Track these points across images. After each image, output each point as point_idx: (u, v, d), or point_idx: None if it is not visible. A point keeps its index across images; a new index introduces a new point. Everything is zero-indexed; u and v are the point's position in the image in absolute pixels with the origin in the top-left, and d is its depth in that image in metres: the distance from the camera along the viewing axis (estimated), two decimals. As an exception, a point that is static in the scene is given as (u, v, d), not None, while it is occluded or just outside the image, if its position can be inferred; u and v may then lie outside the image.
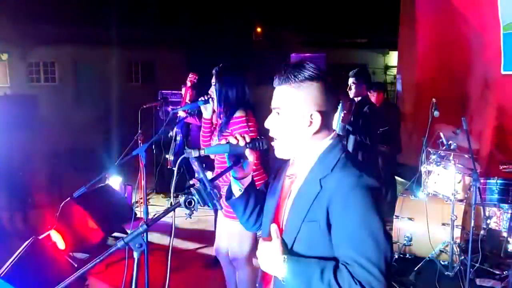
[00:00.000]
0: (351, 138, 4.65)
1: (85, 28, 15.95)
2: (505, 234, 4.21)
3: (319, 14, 19.67)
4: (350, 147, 4.62)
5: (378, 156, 5.22)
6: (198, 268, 4.28)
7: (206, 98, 3.08)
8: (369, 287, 1.30)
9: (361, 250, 1.32)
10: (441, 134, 4.24)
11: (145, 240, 1.36)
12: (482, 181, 4.04)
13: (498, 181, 4.11)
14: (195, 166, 1.44)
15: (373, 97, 5.54)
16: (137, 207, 5.48)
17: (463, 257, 3.88)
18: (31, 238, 3.31)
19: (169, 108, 6.55)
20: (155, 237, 4.61)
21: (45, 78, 19.18)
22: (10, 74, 18.61)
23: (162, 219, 1.39)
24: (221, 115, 3.00)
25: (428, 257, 4.03)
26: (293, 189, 1.52)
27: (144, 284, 3.06)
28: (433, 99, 4.17)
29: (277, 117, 1.51)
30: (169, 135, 6.30)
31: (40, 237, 3.51)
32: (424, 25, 7.22)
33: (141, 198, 3.51)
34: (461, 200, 4.06)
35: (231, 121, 2.93)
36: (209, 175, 1.44)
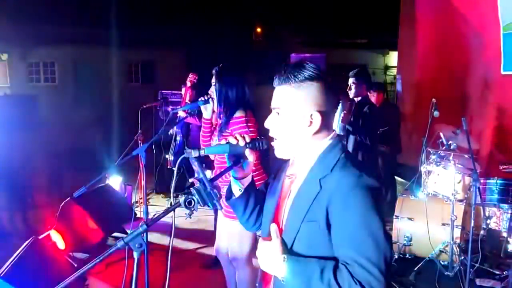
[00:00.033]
0: (351, 138, 4.65)
1: (85, 28, 15.96)
2: (505, 234, 4.21)
3: (319, 14, 19.66)
4: (350, 147, 4.62)
5: (378, 156, 5.22)
6: (198, 268, 4.28)
7: (206, 98, 3.08)
8: (369, 287, 1.30)
9: (361, 250, 1.32)
10: (441, 134, 4.24)
11: (145, 240, 1.36)
12: (482, 181, 4.04)
13: (498, 181, 4.11)
14: (195, 166, 1.44)
15: (373, 97, 5.54)
16: (137, 207, 5.49)
17: (463, 257, 3.88)
18: (31, 238, 3.31)
19: (169, 108, 6.55)
20: (155, 237, 4.61)
21: (45, 78, 19.17)
22: (10, 74, 18.61)
23: (162, 219, 1.39)
24: (221, 115, 3.00)
25: (428, 257, 4.03)
26: (293, 189, 1.52)
27: (144, 284, 3.06)
28: (433, 99, 4.17)
29: (277, 117, 1.51)
30: (169, 133, 6.30)
31: (40, 237, 3.51)
32: (424, 25, 7.22)
33: (141, 198, 3.51)
34: (461, 200, 4.06)
35: (231, 121, 2.93)
36: (208, 174, 1.43)
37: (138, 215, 5.01)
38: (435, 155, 4.22)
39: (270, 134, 1.54)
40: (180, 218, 1.43)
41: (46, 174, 6.64)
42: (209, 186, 1.39)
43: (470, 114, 5.71)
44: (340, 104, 4.06)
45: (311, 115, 1.46)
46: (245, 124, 2.88)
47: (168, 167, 6.50)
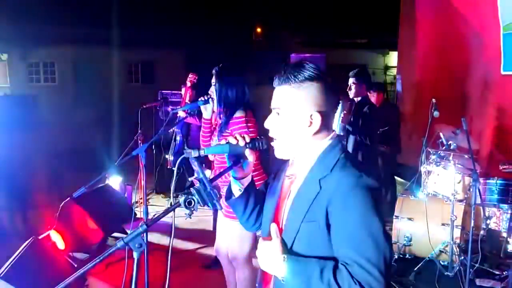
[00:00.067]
0: (351, 138, 4.65)
1: (85, 29, 15.96)
2: (504, 234, 4.21)
3: (319, 15, 19.67)
4: (350, 147, 4.62)
5: (378, 156, 5.22)
6: (198, 268, 4.28)
7: (206, 98, 3.08)
8: (369, 287, 1.30)
9: (360, 251, 1.32)
10: (441, 134, 4.24)
11: (145, 240, 1.36)
12: (482, 181, 4.04)
13: (498, 181, 4.11)
14: (195, 166, 1.44)
15: (373, 97, 5.54)
16: (137, 207, 5.48)
17: (462, 257, 3.88)
18: (31, 238, 3.31)
19: (169, 108, 6.55)
20: (155, 237, 4.61)
21: (45, 78, 19.18)
22: (10, 74, 18.62)
23: (162, 219, 1.39)
24: (221, 115, 3.00)
25: (428, 257, 4.03)
26: (292, 189, 1.52)
27: (144, 284, 3.06)
28: (433, 99, 4.17)
29: (277, 117, 1.51)
30: (169, 131, 6.30)
31: (40, 237, 3.51)
32: (424, 25, 7.22)
33: (141, 198, 3.50)
34: (461, 200, 4.06)
35: (230, 121, 2.93)
36: (208, 174, 1.43)
37: (138, 215, 5.01)
38: (435, 155, 4.22)
39: (270, 134, 1.54)
40: (180, 218, 1.43)
41: (46, 174, 6.63)
42: (209, 186, 1.39)
43: (470, 114, 5.71)
44: (340, 104, 4.08)
45: (311, 115, 1.46)
46: (245, 124, 2.88)
47: (168, 167, 6.50)
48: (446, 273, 3.90)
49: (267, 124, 1.54)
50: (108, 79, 16.88)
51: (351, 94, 4.72)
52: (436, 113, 4.09)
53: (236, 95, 2.96)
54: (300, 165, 1.52)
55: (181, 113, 4.68)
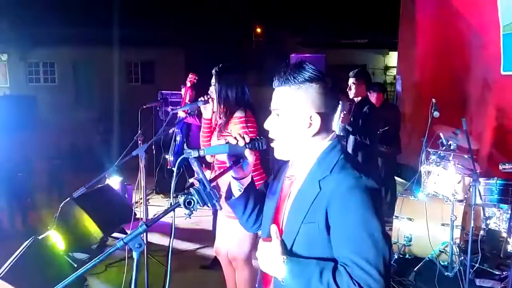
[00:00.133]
0: (351, 138, 4.65)
1: (85, 29, 15.98)
2: (504, 235, 4.20)
3: (319, 15, 19.69)
4: (350, 148, 4.62)
5: (378, 156, 5.22)
6: (197, 268, 4.28)
7: (205, 98, 3.08)
8: (368, 288, 1.30)
9: (359, 252, 1.32)
10: (441, 135, 4.24)
11: (144, 240, 1.36)
12: (481, 181, 4.04)
13: (498, 182, 4.11)
14: (195, 166, 1.44)
15: (373, 97, 5.54)
16: (136, 207, 5.48)
17: (462, 258, 3.87)
18: (31, 238, 3.31)
19: (169, 108, 6.55)
20: (155, 238, 4.61)
21: (45, 78, 19.20)
22: (10, 75, 18.63)
23: (162, 220, 1.39)
24: (221, 115, 3.00)
25: (428, 257, 4.02)
26: (292, 190, 1.52)
27: (144, 284, 3.06)
28: (433, 100, 4.17)
29: (276, 118, 1.51)
30: (170, 131, 6.30)
31: (40, 237, 3.51)
32: (424, 25, 7.22)
33: (141, 198, 3.50)
34: (460, 201, 4.06)
35: (230, 121, 2.93)
36: (208, 174, 1.43)
37: (138, 215, 5.00)
38: (435, 155, 4.22)
39: (270, 135, 1.55)
40: (180, 218, 1.43)
41: (46, 174, 6.64)
42: (209, 186, 1.39)
43: (470, 114, 5.71)
44: (340, 105, 4.08)
45: (311, 116, 1.46)
46: (244, 124, 2.88)
47: (168, 167, 6.50)
48: (446, 273, 3.90)
49: (266, 125, 1.54)
50: (108, 79, 16.90)
51: (351, 94, 4.72)
52: (436, 113, 4.09)
53: (236, 95, 2.96)
54: (300, 166, 1.52)
55: (181, 113, 4.68)
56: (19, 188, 5.25)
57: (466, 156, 4.03)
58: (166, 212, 1.38)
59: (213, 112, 3.13)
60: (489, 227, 4.37)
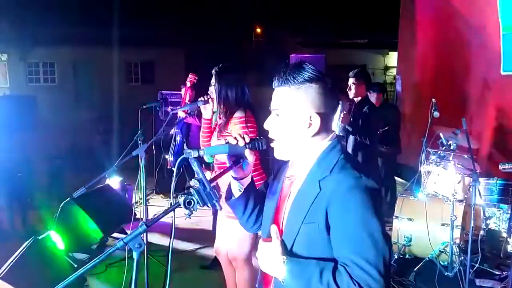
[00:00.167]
0: (351, 138, 4.65)
1: (85, 29, 15.98)
2: (504, 235, 4.20)
3: (319, 15, 19.70)
4: (349, 148, 4.63)
5: (378, 156, 5.22)
6: (197, 268, 4.28)
7: (205, 98, 3.08)
8: (368, 288, 1.30)
9: (359, 252, 1.33)
10: (441, 135, 4.24)
11: (144, 240, 1.36)
12: (481, 181, 4.04)
13: (498, 182, 4.11)
14: (194, 166, 1.44)
15: (372, 97, 5.54)
16: (136, 207, 5.48)
17: (462, 258, 3.87)
18: (31, 239, 3.30)
19: (169, 109, 6.55)
20: (155, 238, 4.61)
21: (45, 78, 19.19)
22: (9, 75, 18.62)
23: (162, 220, 1.39)
24: (221, 115, 3.00)
25: (428, 257, 4.02)
26: (292, 191, 1.52)
27: (144, 284, 3.06)
28: (433, 100, 4.17)
29: (276, 118, 1.52)
30: (170, 132, 6.30)
31: (40, 237, 3.51)
32: (424, 25, 7.23)
33: (141, 199, 3.50)
34: (460, 201, 4.06)
35: (230, 121, 2.93)
36: (208, 175, 1.43)
37: (138, 216, 5.00)
38: (435, 155, 4.22)
39: (270, 135, 1.55)
40: (180, 218, 1.43)
41: (46, 175, 6.63)
42: (208, 187, 1.40)
43: (470, 114, 5.71)
44: (339, 105, 4.08)
45: (310, 116, 1.46)
46: (244, 124, 2.88)
47: (168, 167, 6.50)
48: (446, 274, 3.90)
49: (266, 125, 1.54)
50: (108, 79, 16.89)
51: (351, 94, 4.73)
52: (436, 113, 4.09)
53: (236, 95, 2.96)
54: (300, 166, 1.52)
55: (181, 113, 4.68)
56: (19, 188, 5.25)
57: (466, 156, 4.03)
58: (166, 212, 1.38)
59: (213, 112, 3.13)
60: (489, 227, 4.37)
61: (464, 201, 4.08)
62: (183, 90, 5.31)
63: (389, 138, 5.59)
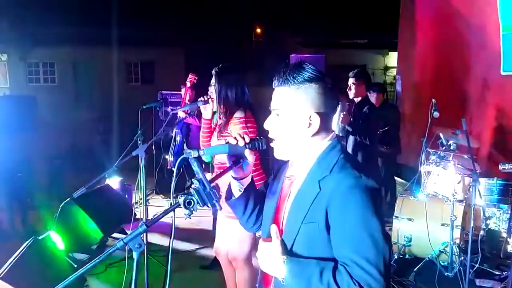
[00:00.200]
0: (351, 138, 4.65)
1: (85, 29, 15.97)
2: (504, 235, 4.21)
3: (319, 15, 19.69)
4: (349, 148, 4.62)
5: (378, 156, 5.22)
6: (197, 268, 4.28)
7: (205, 98, 3.08)
8: (368, 288, 1.30)
9: (359, 251, 1.33)
10: (441, 135, 4.24)
11: (144, 240, 1.36)
12: (481, 181, 4.04)
13: (498, 182, 4.11)
14: (194, 166, 1.44)
15: (372, 97, 5.55)
16: (136, 207, 5.48)
17: (462, 258, 3.87)
18: (31, 239, 3.31)
19: (169, 109, 6.55)
20: (155, 238, 4.61)
21: (45, 78, 19.19)
22: (9, 75, 18.62)
23: (162, 220, 1.39)
24: (221, 116, 3.00)
25: (428, 257, 4.02)
26: (292, 190, 1.52)
27: (144, 284, 3.06)
28: (433, 100, 4.17)
29: (276, 118, 1.52)
30: (170, 133, 6.30)
31: (40, 237, 3.51)
32: (424, 25, 7.23)
33: (141, 199, 3.50)
34: (460, 201, 4.06)
35: (230, 122, 2.93)
36: (208, 177, 1.43)
37: (138, 216, 5.00)
38: (434, 155, 4.22)
39: (270, 135, 1.55)
40: (180, 218, 1.43)
41: (46, 175, 6.64)
42: (208, 187, 1.40)
43: (470, 114, 5.71)
44: (339, 105, 4.08)
45: (310, 116, 1.46)
46: (244, 125, 2.88)
47: (168, 167, 6.50)
48: (446, 274, 3.90)
49: (266, 124, 1.55)
50: (108, 79, 16.89)
51: (351, 94, 4.73)
52: (436, 114, 4.09)
53: (235, 95, 2.96)
54: (300, 166, 1.52)
55: (181, 114, 4.68)
56: (19, 188, 5.25)
57: (466, 156, 4.03)
58: (166, 212, 1.38)
59: (213, 112, 3.13)
60: (489, 227, 4.37)
61: (464, 201, 4.08)
62: (183, 90, 5.30)
63: (389, 138, 5.59)
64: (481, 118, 5.62)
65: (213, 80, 3.03)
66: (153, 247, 4.41)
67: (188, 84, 4.64)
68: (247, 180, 1.65)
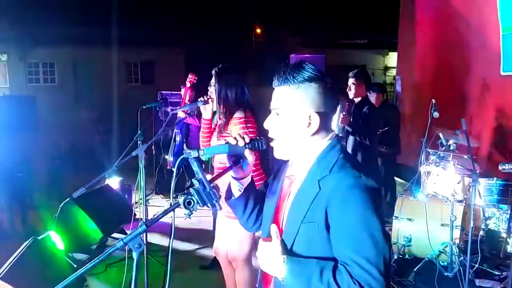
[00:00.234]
0: (351, 138, 4.65)
1: (85, 29, 15.96)
2: (504, 235, 4.21)
3: (319, 15, 19.68)
4: (349, 148, 4.62)
5: (378, 156, 5.22)
6: (197, 268, 4.28)
7: (205, 98, 3.08)
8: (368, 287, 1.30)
9: (359, 251, 1.33)
10: (441, 135, 4.24)
11: (144, 240, 1.36)
12: (481, 181, 4.04)
13: (498, 182, 4.11)
14: (194, 166, 1.44)
15: (372, 97, 5.55)
16: (136, 207, 5.48)
17: (462, 258, 3.87)
18: (30, 239, 3.31)
19: (169, 109, 6.55)
20: (154, 238, 4.61)
21: (45, 78, 19.17)
22: (9, 75, 18.60)
23: (162, 220, 1.39)
24: (220, 116, 3.00)
25: (428, 257, 4.02)
26: (292, 190, 1.52)
27: (144, 284, 3.06)
28: (433, 100, 4.17)
29: (276, 117, 1.52)
30: (170, 133, 6.30)
31: (40, 237, 3.51)
32: (424, 26, 7.23)
33: (141, 199, 3.51)
34: (460, 201, 4.06)
35: (230, 122, 2.93)
36: (208, 177, 1.43)
37: (138, 216, 5.00)
38: (434, 155, 4.22)
39: (269, 135, 1.55)
40: (180, 218, 1.43)
41: (46, 175, 6.64)
42: (208, 187, 1.40)
43: (469, 114, 5.72)
44: (339, 105, 4.08)
45: (310, 116, 1.47)
46: (244, 125, 2.88)
47: (168, 167, 6.50)
48: (445, 274, 3.90)
49: (266, 124, 1.55)
50: (108, 79, 16.87)
51: (351, 94, 4.73)
52: (435, 114, 4.09)
53: (235, 95, 2.96)
54: (300, 165, 1.52)
55: (180, 114, 4.68)
56: (19, 188, 5.25)
57: (465, 156, 4.03)
58: (166, 212, 1.38)
59: (213, 112, 3.13)
60: (489, 227, 4.37)
61: (464, 201, 4.08)
62: (183, 90, 5.31)
63: (389, 138, 5.59)
64: (481, 118, 5.62)
65: (213, 80, 3.03)
66: (153, 247, 4.41)
67: (188, 84, 4.64)
68: (247, 180, 1.65)
